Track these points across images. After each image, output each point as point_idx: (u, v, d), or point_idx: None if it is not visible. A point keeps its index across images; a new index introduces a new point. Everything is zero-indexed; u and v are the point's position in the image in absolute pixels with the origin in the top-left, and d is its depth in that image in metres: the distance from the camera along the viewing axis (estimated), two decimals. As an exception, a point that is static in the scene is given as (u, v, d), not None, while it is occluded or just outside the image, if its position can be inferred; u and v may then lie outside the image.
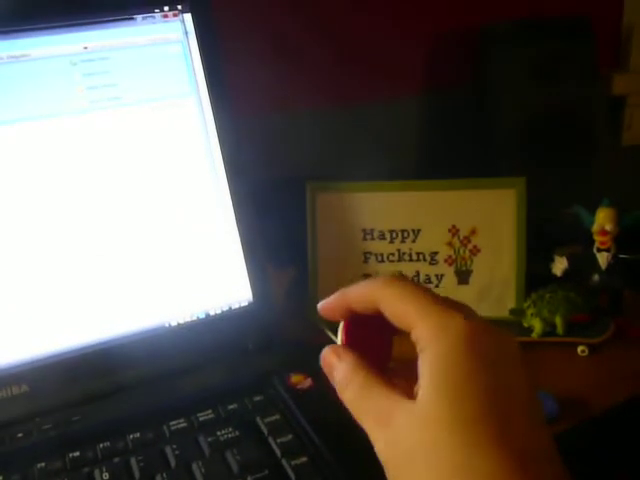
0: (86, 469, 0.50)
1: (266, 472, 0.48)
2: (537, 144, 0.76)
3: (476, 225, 0.71)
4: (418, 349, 0.33)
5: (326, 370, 0.37)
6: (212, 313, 0.62)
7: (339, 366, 0.36)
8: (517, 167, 0.71)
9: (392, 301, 0.34)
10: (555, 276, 0.71)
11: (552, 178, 0.73)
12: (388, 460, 0.32)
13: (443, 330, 0.32)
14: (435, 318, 0.33)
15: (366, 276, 0.71)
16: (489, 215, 0.70)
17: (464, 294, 0.71)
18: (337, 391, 0.36)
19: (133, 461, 0.50)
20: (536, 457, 0.30)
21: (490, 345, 0.33)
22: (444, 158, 0.74)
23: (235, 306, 0.63)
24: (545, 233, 0.71)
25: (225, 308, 0.63)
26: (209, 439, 0.52)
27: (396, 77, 0.74)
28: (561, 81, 0.78)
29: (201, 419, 0.54)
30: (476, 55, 0.78)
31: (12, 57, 0.58)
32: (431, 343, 0.32)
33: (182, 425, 0.54)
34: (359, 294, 0.36)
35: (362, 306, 0.36)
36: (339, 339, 0.37)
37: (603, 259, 0.69)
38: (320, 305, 0.38)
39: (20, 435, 0.54)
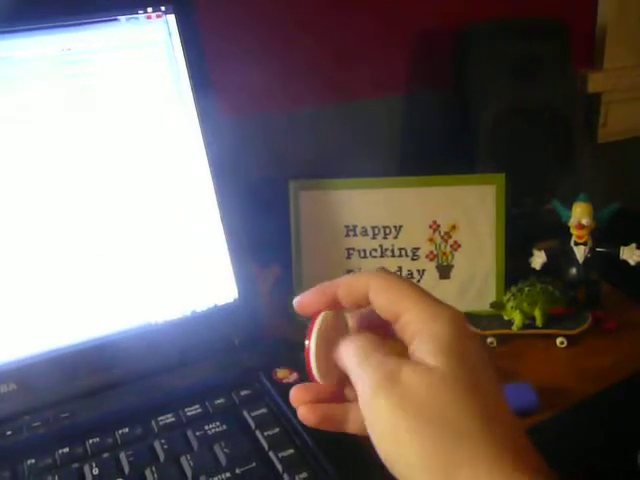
0: (76, 465, 0.50)
1: (254, 464, 0.49)
2: (516, 142, 0.77)
3: (457, 221, 0.72)
4: (410, 331, 0.35)
5: None
6: (198, 310, 0.63)
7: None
8: (497, 164, 0.72)
9: (383, 290, 0.36)
10: (534, 270, 0.72)
11: (530, 175, 0.75)
12: (391, 416, 0.32)
13: (439, 314, 0.35)
14: (429, 303, 0.36)
15: (349, 272, 0.72)
16: (469, 211, 0.72)
17: (446, 289, 0.73)
18: (342, 358, 0.37)
19: (122, 456, 0.51)
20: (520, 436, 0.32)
21: (475, 338, 0.36)
22: (425, 156, 0.75)
23: (221, 303, 0.64)
24: (524, 228, 0.72)
25: (211, 305, 0.64)
26: (197, 433, 0.53)
27: (378, 76, 0.75)
28: (538, 80, 0.80)
29: (189, 414, 0.55)
30: (456, 55, 0.80)
31: (-4, 58, 0.58)
32: (428, 323, 0.34)
33: (170, 420, 0.55)
34: (348, 284, 0.37)
35: (349, 297, 0.37)
36: (314, 334, 0.37)
37: (580, 253, 0.71)
38: (298, 299, 0.39)
39: (9, 433, 0.54)
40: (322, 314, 0.38)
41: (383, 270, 0.38)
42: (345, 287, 0.37)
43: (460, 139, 0.77)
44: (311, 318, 0.38)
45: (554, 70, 0.81)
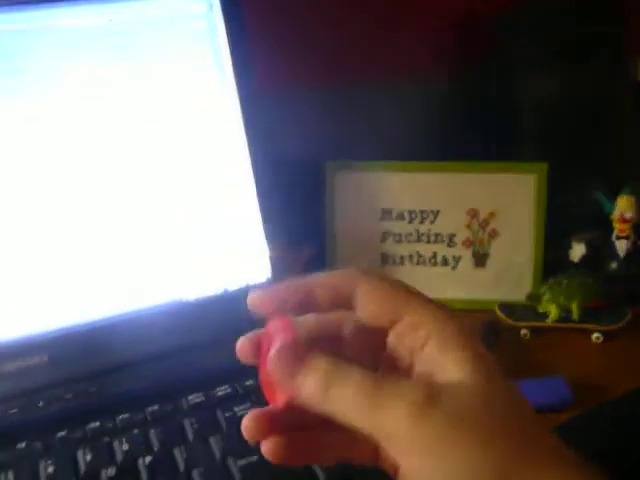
0: (106, 439, 0.51)
1: (282, 449, 0.49)
2: (561, 129, 0.75)
3: (495, 209, 0.71)
4: (417, 336, 0.31)
5: (281, 381, 0.31)
6: (230, 289, 0.63)
7: (312, 367, 0.30)
8: (540, 152, 0.71)
9: (376, 291, 0.33)
10: (573, 262, 0.71)
11: (574, 163, 0.73)
12: (437, 440, 0.28)
13: (446, 317, 0.32)
14: (432, 307, 0.32)
15: (383, 256, 0.71)
16: (509, 199, 0.70)
17: (480, 277, 0.72)
18: (316, 400, 0.30)
19: (152, 433, 0.51)
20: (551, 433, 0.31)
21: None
22: (468, 141, 0.73)
23: (253, 283, 0.64)
24: (564, 218, 0.71)
25: (243, 285, 0.63)
26: (226, 414, 0.53)
27: (420, 58, 0.74)
28: (586, 65, 0.77)
29: (219, 394, 0.55)
30: (501, 36, 0.77)
31: (38, 28, 0.58)
32: (440, 325, 0.31)
33: (200, 399, 0.55)
34: (331, 283, 0.33)
35: (330, 298, 0.33)
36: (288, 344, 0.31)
37: (622, 247, 0.69)
38: (258, 295, 0.34)
39: (41, 404, 0.55)
40: (301, 318, 0.33)
41: (369, 270, 0.34)
42: (327, 286, 0.33)
43: (503, 125, 0.75)
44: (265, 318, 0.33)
45: (604, 55, 0.78)
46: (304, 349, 0.31)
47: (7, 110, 0.56)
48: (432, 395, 0.29)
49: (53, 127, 0.58)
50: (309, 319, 0.35)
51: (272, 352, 0.31)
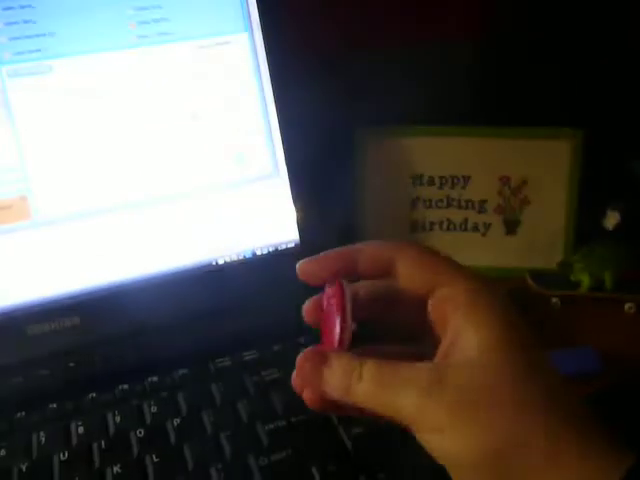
0: (135, 402, 0.51)
1: (309, 415, 0.49)
2: (601, 94, 0.73)
3: (528, 175, 0.69)
4: (451, 305, 0.32)
5: (309, 380, 0.35)
6: (259, 253, 0.63)
7: (333, 367, 0.34)
8: (579, 117, 0.69)
9: (416, 259, 0.34)
10: (607, 231, 0.69)
11: (612, 129, 0.71)
12: (448, 418, 0.30)
13: (481, 288, 0.33)
14: (469, 276, 0.33)
15: (413, 222, 0.70)
16: (542, 166, 0.69)
17: (511, 244, 0.70)
18: (340, 395, 0.33)
19: (180, 397, 0.51)
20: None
21: (516, 311, 0.34)
22: (501, 106, 0.71)
23: (282, 247, 0.63)
24: (600, 186, 0.69)
25: (272, 248, 0.63)
26: (254, 378, 0.53)
27: (453, 19, 0.71)
28: (628, 28, 0.74)
29: (246, 358, 0.55)
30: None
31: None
32: (470, 295, 0.32)
33: (227, 363, 0.55)
34: (374, 251, 0.35)
35: (372, 265, 0.35)
36: (346, 305, 0.34)
37: (658, 216, 0.68)
38: (306, 263, 0.37)
39: (72, 365, 0.56)
40: (349, 284, 0.35)
41: (408, 241, 0.36)
42: (370, 254, 0.35)
43: (541, 88, 0.73)
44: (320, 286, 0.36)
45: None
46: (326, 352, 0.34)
47: (42, 75, 0.56)
48: (439, 377, 0.30)
49: (74, 92, 0.58)
50: (358, 286, 0.37)
51: (299, 357, 0.35)
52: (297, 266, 0.37)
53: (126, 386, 0.53)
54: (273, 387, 0.52)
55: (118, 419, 0.50)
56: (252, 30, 0.61)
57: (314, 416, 0.49)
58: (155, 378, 0.54)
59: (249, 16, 0.61)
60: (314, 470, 0.45)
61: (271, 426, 0.48)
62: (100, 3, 0.58)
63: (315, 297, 0.38)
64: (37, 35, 0.57)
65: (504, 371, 0.30)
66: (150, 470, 0.46)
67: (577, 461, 0.28)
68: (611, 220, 0.69)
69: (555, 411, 0.30)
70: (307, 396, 0.36)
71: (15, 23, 0.56)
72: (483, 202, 0.70)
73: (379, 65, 0.69)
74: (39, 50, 0.57)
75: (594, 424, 0.30)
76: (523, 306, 0.65)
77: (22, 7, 0.56)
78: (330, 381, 0.33)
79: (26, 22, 0.56)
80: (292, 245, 0.64)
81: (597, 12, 0.73)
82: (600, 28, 0.72)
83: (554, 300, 0.66)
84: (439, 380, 0.30)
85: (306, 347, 0.55)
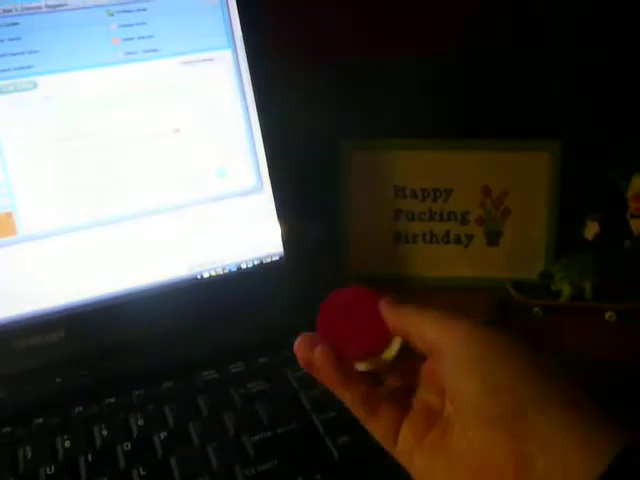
0: (122, 415, 0.51)
1: (295, 425, 0.50)
2: (579, 105, 0.74)
3: (509, 187, 0.70)
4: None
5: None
6: (243, 267, 0.63)
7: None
8: (558, 128, 0.70)
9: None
10: (586, 241, 0.70)
11: (590, 140, 0.72)
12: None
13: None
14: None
15: (396, 234, 0.71)
16: (523, 177, 0.70)
17: (493, 255, 0.71)
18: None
19: (167, 409, 0.52)
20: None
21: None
22: (480, 118, 0.72)
23: (267, 260, 0.64)
24: (579, 197, 0.70)
25: (256, 262, 0.64)
26: (240, 391, 0.53)
27: (436, 32, 0.72)
28: (611, 37, 0.76)
29: (232, 371, 0.56)
30: (520, 6, 0.76)
31: (49, 7, 0.58)
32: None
33: (214, 376, 0.55)
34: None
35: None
36: None
37: (636, 225, 0.69)
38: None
39: (59, 380, 0.56)
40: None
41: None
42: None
43: (521, 99, 0.74)
44: None
45: (631, 26, 0.76)
46: None
47: (26, 92, 0.57)
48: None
49: (60, 108, 0.58)
50: None
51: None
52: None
53: (112, 399, 0.53)
54: (259, 399, 0.52)
55: (105, 433, 0.50)
56: (235, 46, 0.62)
57: (300, 427, 0.50)
58: (141, 391, 0.54)
59: (232, 33, 0.62)
60: (301, 480, 0.46)
61: (257, 437, 0.49)
62: (84, 20, 0.58)
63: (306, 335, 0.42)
64: (22, 52, 0.57)
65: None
66: (137, 483, 0.46)
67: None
68: (591, 230, 0.70)
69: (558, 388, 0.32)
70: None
71: (1, 41, 0.56)
72: (465, 214, 0.71)
73: (362, 79, 0.70)
74: (24, 67, 0.57)
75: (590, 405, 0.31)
76: (506, 316, 0.67)
77: (7, 25, 0.56)
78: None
79: (11, 40, 0.57)
80: (277, 258, 0.64)
81: (575, 23, 0.74)
82: (578, 39, 0.74)
83: (536, 309, 0.67)
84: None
85: (293, 359, 0.56)
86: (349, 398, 0.38)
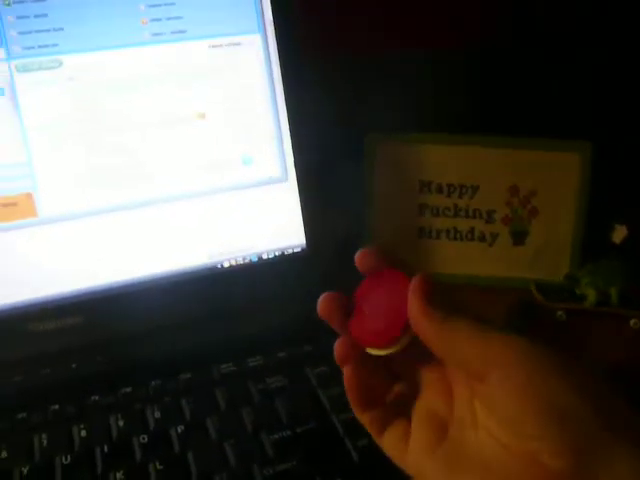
0: (138, 405, 0.51)
1: (314, 425, 0.49)
2: (611, 106, 0.73)
3: (537, 186, 0.69)
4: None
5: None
6: (265, 257, 0.62)
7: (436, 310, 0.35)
8: (589, 129, 0.68)
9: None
10: (614, 244, 0.69)
11: (622, 143, 0.70)
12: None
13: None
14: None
15: (420, 229, 0.70)
16: (551, 177, 0.68)
17: (518, 255, 0.70)
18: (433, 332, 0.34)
19: (184, 402, 0.51)
20: None
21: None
22: (510, 115, 0.71)
23: (288, 251, 0.63)
24: (608, 199, 0.69)
25: (278, 253, 0.63)
26: (259, 386, 0.52)
27: (469, 26, 0.71)
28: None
29: (251, 364, 0.55)
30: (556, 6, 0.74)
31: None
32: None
33: (232, 369, 0.55)
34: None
35: None
36: None
37: (666, 231, 0.67)
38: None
39: (74, 366, 0.55)
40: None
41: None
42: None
43: (546, 97, 0.72)
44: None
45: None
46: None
47: (50, 70, 0.56)
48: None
49: (87, 88, 0.57)
50: None
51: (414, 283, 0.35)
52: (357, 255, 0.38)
53: (129, 389, 0.52)
54: (278, 395, 0.51)
55: (121, 423, 0.49)
56: (265, 31, 0.61)
57: (320, 426, 0.49)
58: (158, 382, 0.53)
59: (263, 17, 0.60)
60: (320, 482, 0.45)
61: (276, 436, 0.48)
62: (113, -1, 0.57)
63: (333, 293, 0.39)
64: (47, 30, 0.56)
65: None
66: (153, 478, 0.45)
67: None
68: (619, 234, 0.69)
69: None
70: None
71: (26, 17, 0.55)
72: (491, 212, 0.69)
73: (392, 70, 0.68)
74: (48, 45, 0.56)
75: None
76: (528, 318, 0.65)
77: (34, 1, 0.55)
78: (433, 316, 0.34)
79: (37, 16, 0.55)
80: (299, 250, 0.63)
81: (610, 25, 0.72)
82: (613, 41, 0.72)
83: (559, 313, 0.66)
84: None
85: (312, 355, 0.55)
86: (366, 421, 0.38)
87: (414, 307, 0.34)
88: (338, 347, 0.38)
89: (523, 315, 0.66)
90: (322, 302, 0.38)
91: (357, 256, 0.38)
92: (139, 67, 0.58)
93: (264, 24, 0.61)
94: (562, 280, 0.67)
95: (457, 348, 0.33)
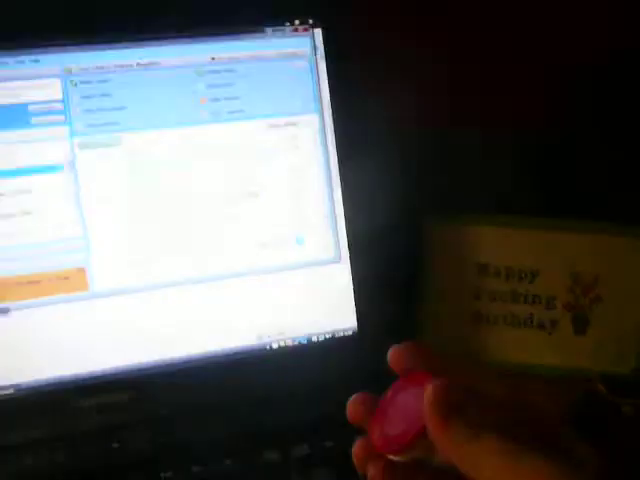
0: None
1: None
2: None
3: (600, 272, 0.66)
4: None
5: None
6: (314, 339, 0.61)
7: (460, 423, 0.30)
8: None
9: None
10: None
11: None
12: None
13: None
14: None
15: (476, 314, 0.67)
16: (615, 263, 0.65)
17: (580, 344, 0.67)
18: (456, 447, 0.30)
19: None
20: None
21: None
22: (576, 198, 0.69)
23: (339, 334, 0.61)
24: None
25: (328, 335, 0.61)
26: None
27: (528, 108, 0.70)
28: None
29: (296, 454, 0.53)
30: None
31: (141, 65, 0.58)
32: None
33: (275, 457, 0.52)
34: None
35: None
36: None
37: None
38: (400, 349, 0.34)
39: (115, 445, 0.54)
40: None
41: None
42: None
43: (612, 181, 0.70)
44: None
45: None
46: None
47: (111, 147, 0.57)
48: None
49: (145, 166, 0.58)
50: None
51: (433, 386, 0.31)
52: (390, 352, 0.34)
53: (169, 474, 0.51)
54: (321, 487, 0.49)
55: (159, 510, 0.47)
56: (322, 112, 0.61)
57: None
58: (200, 468, 0.51)
59: (320, 97, 0.61)
60: None
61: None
62: (174, 79, 0.58)
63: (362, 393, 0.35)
64: (110, 109, 0.57)
65: None
66: None
67: None
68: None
69: None
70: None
71: (92, 97, 0.56)
72: (551, 298, 0.67)
73: (449, 149, 0.67)
74: (110, 123, 0.57)
75: None
76: (593, 412, 0.62)
77: (99, 82, 0.56)
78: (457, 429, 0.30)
79: (102, 95, 0.57)
80: (350, 333, 0.61)
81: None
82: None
83: (627, 408, 0.62)
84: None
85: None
86: None
87: (432, 422, 0.30)
88: (357, 450, 0.34)
89: (587, 410, 0.62)
90: (351, 405, 0.35)
91: (390, 354, 0.34)
92: (197, 145, 0.59)
93: (321, 104, 0.61)
94: (629, 372, 0.64)
95: (483, 467, 0.29)
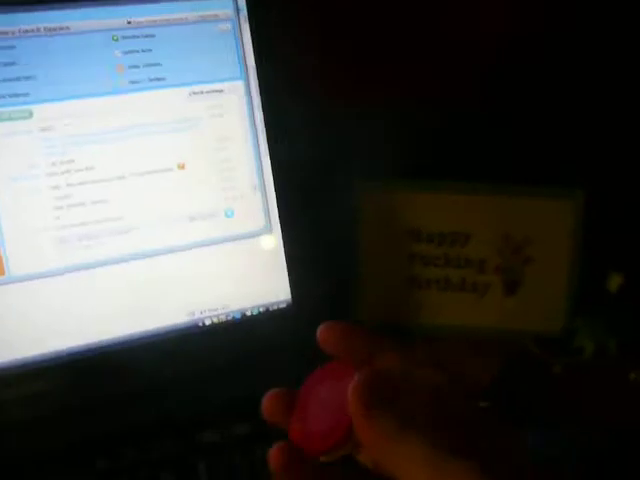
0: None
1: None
2: (604, 153, 0.71)
3: (529, 234, 0.66)
4: None
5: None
6: (248, 314, 0.59)
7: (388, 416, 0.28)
8: (581, 176, 0.66)
9: None
10: (610, 293, 0.67)
11: (615, 190, 0.69)
12: None
13: None
14: None
15: (410, 278, 0.67)
16: (544, 225, 0.66)
17: (511, 306, 0.67)
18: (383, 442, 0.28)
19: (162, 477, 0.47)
20: None
21: None
22: (505, 161, 0.69)
23: (273, 307, 0.60)
24: (603, 246, 0.67)
25: (262, 309, 0.60)
26: (247, 458, 0.49)
27: (457, 75, 0.69)
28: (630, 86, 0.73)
29: (237, 432, 0.51)
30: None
31: (49, 29, 0.54)
32: None
33: (215, 438, 0.51)
34: None
35: None
36: None
37: (665, 279, 0.65)
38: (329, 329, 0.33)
39: (46, 432, 0.51)
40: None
41: None
42: None
43: (539, 145, 0.71)
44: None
45: None
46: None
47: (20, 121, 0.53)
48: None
49: (60, 137, 0.54)
50: None
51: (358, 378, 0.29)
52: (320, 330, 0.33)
53: (105, 462, 0.49)
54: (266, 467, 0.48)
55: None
56: (248, 78, 0.58)
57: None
58: (135, 452, 0.50)
59: (245, 63, 0.58)
60: None
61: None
62: (87, 45, 0.54)
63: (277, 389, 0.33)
64: (17, 78, 0.53)
65: None
66: None
67: None
68: (615, 282, 0.67)
69: None
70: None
71: (-7, 66, 0.52)
72: (483, 261, 0.67)
73: (379, 116, 0.66)
74: (19, 95, 0.53)
75: None
76: (523, 371, 0.63)
77: (2, 48, 0.52)
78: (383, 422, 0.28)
79: (6, 65, 0.52)
80: (284, 305, 0.60)
81: (598, 69, 0.71)
82: (603, 87, 0.71)
83: (556, 367, 0.64)
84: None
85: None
86: None
87: (357, 416, 0.28)
88: (273, 456, 0.31)
89: (518, 369, 0.63)
90: (267, 402, 0.32)
91: (318, 334, 0.33)
92: (115, 116, 0.55)
93: (246, 70, 0.58)
94: (558, 332, 0.65)
95: (405, 471, 0.28)
